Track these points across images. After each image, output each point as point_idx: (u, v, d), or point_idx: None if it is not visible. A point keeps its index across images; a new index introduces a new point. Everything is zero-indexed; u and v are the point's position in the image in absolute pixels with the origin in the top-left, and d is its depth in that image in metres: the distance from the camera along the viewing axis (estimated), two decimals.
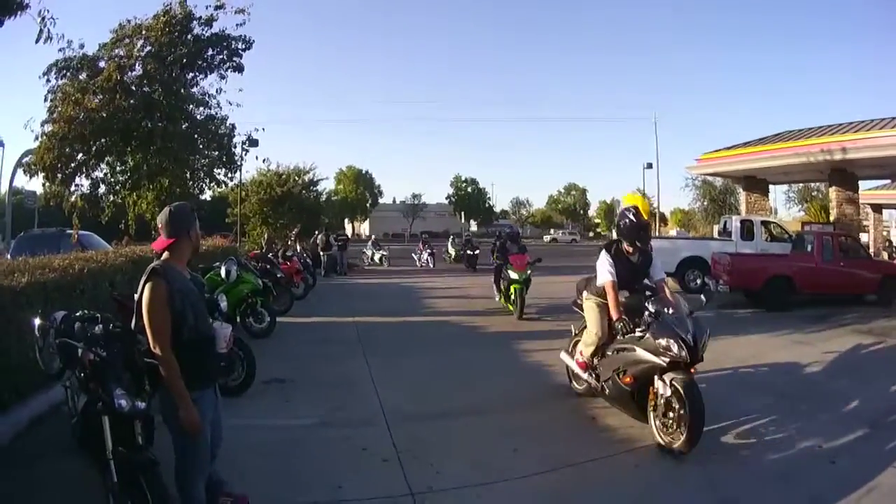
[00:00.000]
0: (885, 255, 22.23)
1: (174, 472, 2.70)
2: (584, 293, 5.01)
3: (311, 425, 4.69)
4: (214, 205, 29.85)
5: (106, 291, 6.32)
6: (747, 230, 14.98)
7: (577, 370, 5.09)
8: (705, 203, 29.61)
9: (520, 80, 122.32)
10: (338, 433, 4.50)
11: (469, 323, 9.88)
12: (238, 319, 8.56)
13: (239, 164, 14.98)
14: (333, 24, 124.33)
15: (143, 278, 2.62)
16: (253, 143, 21.66)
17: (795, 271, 11.26)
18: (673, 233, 40.95)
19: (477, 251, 21.62)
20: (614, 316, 4.40)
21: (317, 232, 21.16)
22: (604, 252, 4.70)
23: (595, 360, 4.81)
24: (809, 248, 12.02)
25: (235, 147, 13.93)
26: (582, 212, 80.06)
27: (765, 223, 15.32)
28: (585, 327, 5.05)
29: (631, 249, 4.66)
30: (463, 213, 67.61)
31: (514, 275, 10.23)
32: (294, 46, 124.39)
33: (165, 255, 2.73)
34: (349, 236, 21.45)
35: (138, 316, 2.64)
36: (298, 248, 18.98)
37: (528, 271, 10.38)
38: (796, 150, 18.46)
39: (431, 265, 22.66)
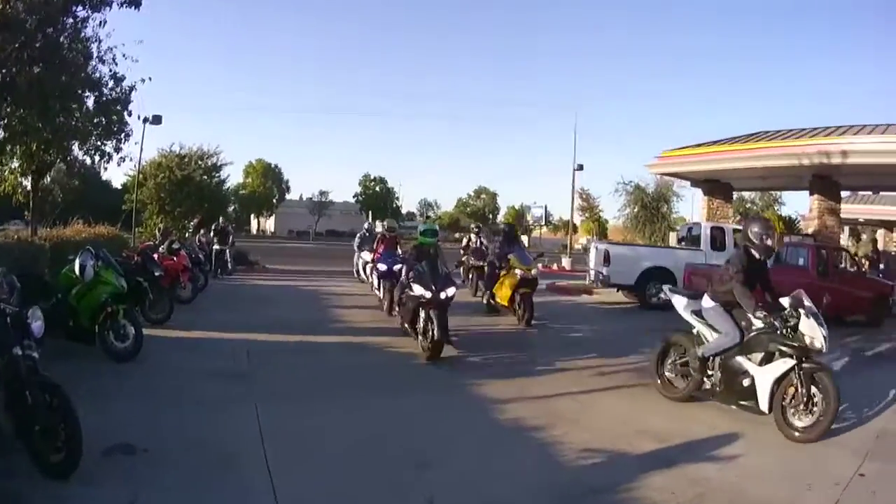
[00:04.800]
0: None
1: None
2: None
3: None
4: (124, 191, 26.83)
5: None
6: (717, 239, 13.49)
7: None
8: (636, 209, 28.35)
9: (435, 81, 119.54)
10: None
11: (397, 347, 7.80)
12: (97, 335, 6.42)
13: (129, 134, 12.69)
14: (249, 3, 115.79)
15: None
16: (156, 120, 18.89)
17: (790, 289, 10.44)
18: (583, 241, 40.16)
19: None
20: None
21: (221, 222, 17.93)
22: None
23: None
24: (801, 262, 11.12)
25: (130, 115, 11.83)
26: (491, 216, 79.88)
27: (736, 231, 13.02)
28: None
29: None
30: (370, 213, 65.50)
31: None
32: (216, 28, 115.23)
33: None
34: (231, 229, 17.95)
35: None
36: (198, 240, 16.38)
37: None
38: (780, 150, 15.96)
39: None
